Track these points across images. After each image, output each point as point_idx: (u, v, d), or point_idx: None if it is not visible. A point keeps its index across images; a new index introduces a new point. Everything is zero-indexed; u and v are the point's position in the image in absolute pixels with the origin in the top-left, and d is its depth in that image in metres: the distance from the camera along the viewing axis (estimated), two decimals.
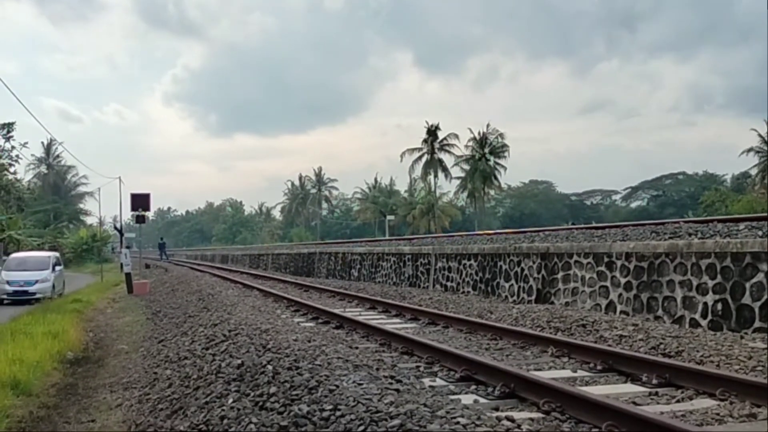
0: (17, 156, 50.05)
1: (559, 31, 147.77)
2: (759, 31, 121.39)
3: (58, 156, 78.47)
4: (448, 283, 17.25)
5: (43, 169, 78.08)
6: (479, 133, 70.85)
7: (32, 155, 71.00)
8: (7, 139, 48.51)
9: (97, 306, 20.51)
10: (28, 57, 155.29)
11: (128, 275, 25.09)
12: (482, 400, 5.85)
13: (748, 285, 8.91)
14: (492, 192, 78.36)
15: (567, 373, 7.07)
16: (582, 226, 17.85)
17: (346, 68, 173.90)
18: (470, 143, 71.17)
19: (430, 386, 6.26)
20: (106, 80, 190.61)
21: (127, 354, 11.26)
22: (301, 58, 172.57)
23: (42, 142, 76.57)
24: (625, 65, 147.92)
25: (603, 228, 14.62)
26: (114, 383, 9.00)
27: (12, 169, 50.27)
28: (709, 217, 13.92)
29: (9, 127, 48.16)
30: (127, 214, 73.35)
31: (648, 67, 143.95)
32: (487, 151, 70.81)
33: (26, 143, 50.91)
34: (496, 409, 5.49)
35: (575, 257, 12.40)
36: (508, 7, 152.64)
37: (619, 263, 11.24)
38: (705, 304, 9.51)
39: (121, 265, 40.54)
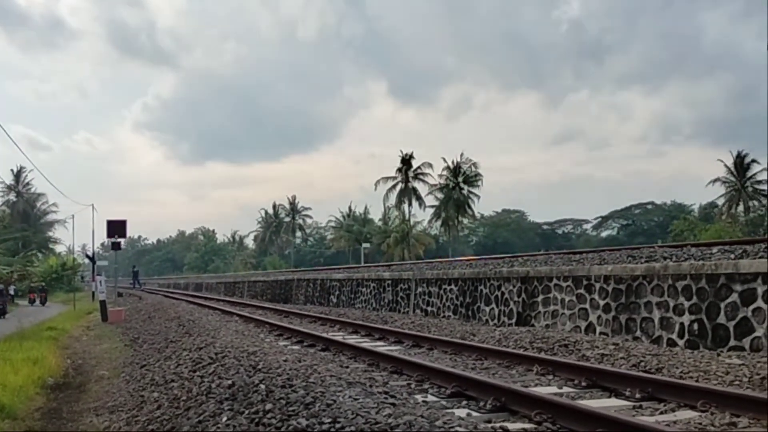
0: None
1: (529, 62, 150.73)
2: (726, 63, 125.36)
3: (27, 183, 77.38)
4: (429, 308, 17.42)
5: (12, 196, 76.87)
6: (453, 162, 71.67)
7: (1, 182, 69.96)
8: None
9: (72, 333, 20.24)
10: None
11: (103, 303, 24.80)
12: (475, 414, 6.02)
13: (722, 305, 9.25)
14: (465, 221, 78.98)
15: (553, 389, 7.26)
16: (560, 251, 18.19)
17: (319, 97, 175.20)
18: (444, 172, 71.92)
19: (423, 401, 6.40)
20: (76, 108, 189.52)
21: (109, 379, 11.17)
22: (274, 87, 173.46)
23: (11, 170, 75.48)
24: (594, 96, 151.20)
25: (581, 252, 14.95)
26: (99, 407, 8.93)
27: None
28: (682, 242, 14.33)
29: None
30: (98, 243, 72.52)
31: (617, 98, 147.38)
32: (460, 180, 71.53)
33: None
34: (489, 422, 5.66)
35: (555, 280, 12.69)
36: (480, 38, 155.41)
37: (597, 286, 11.54)
38: (682, 324, 9.82)
39: (93, 293, 40.13)
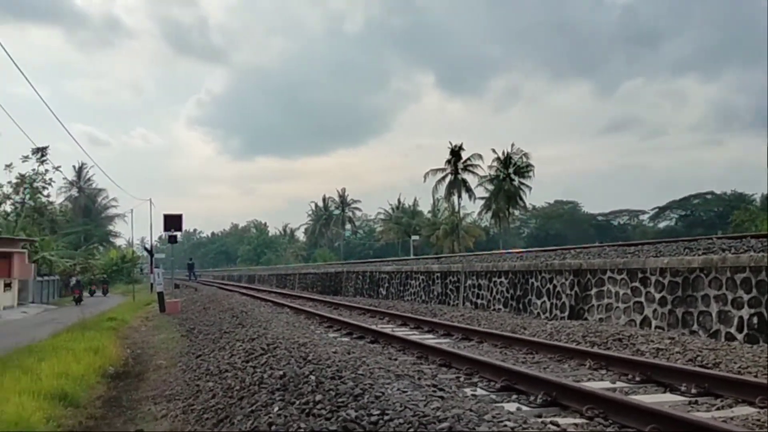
0: (50, 179, 51.10)
1: (580, 50, 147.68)
2: None
3: (89, 179, 79.83)
4: (479, 300, 17.33)
5: (74, 192, 79.44)
6: (503, 153, 70.83)
7: (64, 178, 72.38)
8: (41, 162, 49.59)
9: (131, 324, 20.87)
10: (56, 82, 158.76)
11: (160, 294, 25.49)
12: (525, 408, 5.97)
13: None
14: (517, 212, 78.04)
15: (606, 384, 7.14)
16: (614, 243, 17.84)
17: (367, 90, 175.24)
18: (494, 163, 71.14)
19: (472, 395, 6.39)
20: (132, 105, 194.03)
21: (166, 369, 11.46)
22: (322, 81, 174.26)
23: (73, 166, 78.02)
24: (649, 83, 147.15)
25: (636, 245, 14.64)
26: (156, 396, 9.18)
27: (45, 192, 51.32)
28: (741, 234, 13.88)
29: (43, 151, 49.24)
30: (156, 236, 74.41)
31: (672, 86, 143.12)
32: (511, 171, 70.64)
33: (59, 167, 52.04)
34: (539, 416, 5.61)
35: (609, 273, 12.46)
36: (528, 27, 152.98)
37: (653, 279, 11.28)
38: (740, 317, 9.52)
39: (151, 285, 41.27)
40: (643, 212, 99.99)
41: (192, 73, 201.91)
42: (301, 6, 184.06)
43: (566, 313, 13.44)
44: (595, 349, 9.07)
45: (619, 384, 7.17)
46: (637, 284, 11.73)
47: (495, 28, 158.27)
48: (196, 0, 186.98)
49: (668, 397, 6.48)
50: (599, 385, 7.04)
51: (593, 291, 12.89)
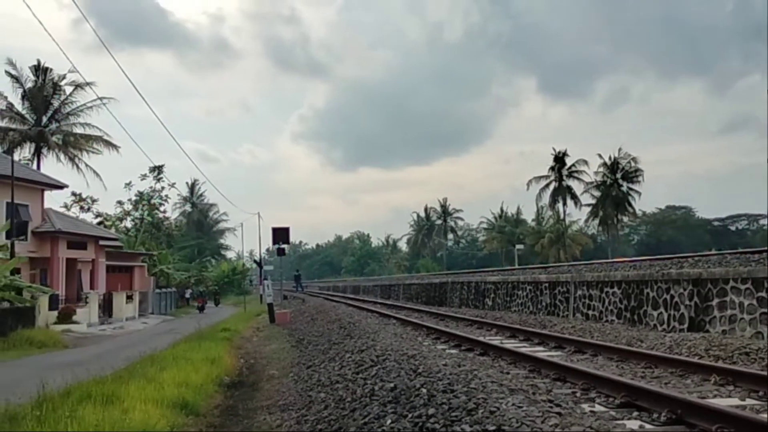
0: (166, 196, 54.11)
1: (690, 47, 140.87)
2: None
3: (201, 195, 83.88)
4: (590, 312, 16.77)
5: (188, 207, 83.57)
6: (610, 158, 68.56)
7: (178, 194, 76.36)
8: (158, 180, 52.61)
9: (243, 335, 21.65)
10: (169, 103, 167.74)
11: (270, 305, 26.34)
12: (648, 426, 5.70)
13: None
14: (625, 219, 75.31)
15: (734, 401, 6.71)
16: (734, 251, 16.82)
17: (467, 97, 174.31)
18: (600, 169, 69.00)
19: (591, 411, 6.16)
20: (239, 122, 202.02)
21: (279, 379, 11.77)
22: (422, 90, 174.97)
23: (186, 182, 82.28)
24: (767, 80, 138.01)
25: (760, 252, 13.73)
26: (271, 405, 9.43)
27: (162, 208, 54.36)
28: None
29: (159, 169, 52.25)
30: (264, 248, 76.99)
31: None
32: (619, 177, 68.30)
33: (174, 184, 54.98)
34: None
35: (731, 283, 11.74)
36: (634, 24, 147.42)
37: None
38: None
39: (261, 296, 42.68)
40: (763, 216, 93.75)
41: (295, 89, 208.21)
42: (401, 17, 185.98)
43: (685, 325, 12.77)
44: (720, 364, 8.54)
45: (748, 401, 6.71)
46: (763, 294, 10.98)
47: (599, 27, 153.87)
48: (299, 18, 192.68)
49: None
50: (727, 402, 6.62)
51: (715, 301, 12.18)
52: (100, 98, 39.92)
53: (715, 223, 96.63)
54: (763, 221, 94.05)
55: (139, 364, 12.16)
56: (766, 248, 13.62)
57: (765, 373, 7.63)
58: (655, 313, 13.94)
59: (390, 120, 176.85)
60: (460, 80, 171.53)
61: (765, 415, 5.84)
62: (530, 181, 72.56)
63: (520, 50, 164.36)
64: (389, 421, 6.13)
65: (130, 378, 10.30)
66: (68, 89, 42.24)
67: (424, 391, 6.69)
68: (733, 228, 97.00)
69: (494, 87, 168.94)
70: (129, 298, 34.17)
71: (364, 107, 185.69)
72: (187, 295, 48.99)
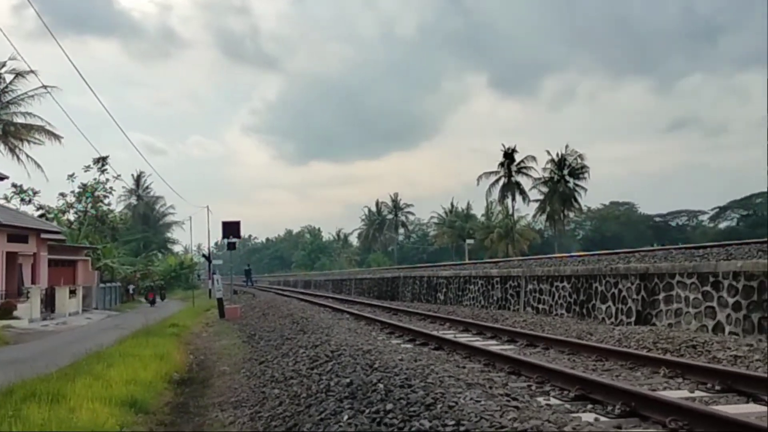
0: (111, 188, 52.68)
1: (636, 47, 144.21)
2: None
3: (147, 187, 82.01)
4: (540, 306, 17.03)
5: (134, 200, 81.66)
6: (557, 155, 69.87)
7: (123, 187, 74.53)
8: (102, 171, 51.17)
9: (193, 330, 21.21)
10: (114, 93, 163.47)
11: (220, 300, 25.91)
12: (603, 419, 5.79)
13: None
14: (572, 214, 76.90)
15: (684, 393, 6.88)
16: (680, 246, 17.30)
17: (420, 93, 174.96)
18: (548, 165, 70.25)
19: (547, 404, 6.23)
20: (188, 113, 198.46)
21: (230, 375, 11.57)
22: (376, 86, 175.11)
23: (132, 174, 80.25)
24: (709, 80, 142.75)
25: (703, 247, 14.17)
26: (223, 402, 9.25)
27: (107, 201, 52.92)
28: None
29: (104, 160, 50.80)
30: (213, 242, 75.84)
31: (735, 81, 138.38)
32: (566, 173, 69.66)
33: (119, 175, 53.62)
34: (619, 428, 5.42)
35: (678, 277, 12.06)
36: (583, 24, 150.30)
37: (726, 283, 10.87)
38: None
39: (209, 291, 42.01)
40: (703, 212, 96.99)
41: (246, 81, 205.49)
42: (355, 11, 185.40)
43: (633, 319, 13.07)
44: (669, 356, 8.77)
45: (697, 393, 6.90)
46: (708, 288, 11.32)
47: (550, 27, 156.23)
48: (249, 8, 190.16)
49: (752, 408, 6.19)
50: (677, 394, 6.79)
51: (661, 296, 12.50)
52: (45, 86, 38.54)
53: (657, 219, 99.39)
54: (702, 217, 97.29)
55: (85, 361, 11.80)
56: (709, 244, 14.04)
57: (713, 365, 7.86)
58: (604, 307, 14.24)
59: (342, 114, 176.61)
60: (413, 76, 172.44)
61: (715, 407, 6.00)
62: (480, 176, 73.38)
63: (471, 47, 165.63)
64: (346, 417, 6.06)
65: (77, 375, 9.97)
66: (8, 77, 40.65)
67: (381, 386, 6.64)
68: (673, 224, 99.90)
69: (446, 83, 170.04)
70: (72, 292, 33.17)
71: (316, 101, 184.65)
72: (131, 290, 47.86)
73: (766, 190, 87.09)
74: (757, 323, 10.17)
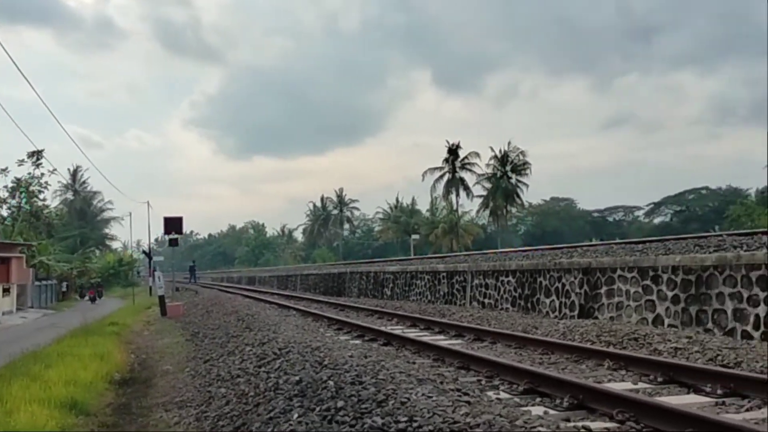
0: (46, 183, 50.85)
1: (576, 46, 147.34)
2: None
3: (84, 182, 79.64)
4: (486, 300, 17.24)
5: (70, 195, 79.18)
6: (500, 151, 70.92)
7: (59, 182, 72.12)
8: (37, 166, 49.35)
9: (133, 329, 20.72)
10: (49, 84, 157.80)
11: (161, 298, 25.35)
12: (552, 412, 5.87)
13: None
14: (514, 210, 78.20)
15: (628, 385, 7.05)
16: (621, 241, 17.76)
17: (364, 89, 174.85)
18: (492, 161, 71.24)
19: (497, 398, 6.28)
20: (126, 106, 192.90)
21: (174, 374, 11.33)
22: (319, 80, 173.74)
23: (68, 169, 77.79)
24: (645, 78, 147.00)
25: (643, 242, 14.57)
26: (167, 402, 9.05)
27: (42, 196, 51.06)
28: (753, 230, 13.81)
29: (38, 154, 48.99)
30: (153, 238, 74.11)
31: (670, 80, 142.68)
32: (508, 169, 70.78)
33: (55, 170, 51.73)
34: (568, 420, 5.50)
35: (619, 271, 12.38)
36: (525, 22, 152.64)
37: (665, 277, 11.20)
38: (757, 315, 9.45)
39: (150, 288, 41.09)
40: (639, 208, 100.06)
41: (186, 74, 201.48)
42: (298, 4, 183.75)
43: (576, 312, 13.36)
44: (612, 349, 8.97)
45: (641, 385, 7.07)
46: (648, 282, 11.65)
47: (491, 24, 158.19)
48: (189, 0, 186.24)
49: (694, 399, 6.38)
50: (621, 386, 6.94)
51: (603, 289, 12.81)
52: None
53: (595, 215, 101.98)
54: (637, 212, 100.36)
55: (21, 362, 11.42)
56: (649, 239, 14.44)
57: (655, 357, 8.08)
58: (548, 301, 14.51)
59: (285, 109, 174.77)
60: (357, 71, 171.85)
61: (659, 398, 6.16)
62: (425, 172, 73.86)
63: (415, 43, 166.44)
64: (296, 416, 5.97)
65: (13, 377, 9.65)
66: None
67: (332, 383, 6.58)
68: (611, 219, 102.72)
69: (390, 79, 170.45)
70: (6, 291, 31.95)
71: (258, 95, 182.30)
72: (64, 288, 46.36)
73: (698, 186, 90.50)
74: (695, 316, 10.51)
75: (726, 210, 67.99)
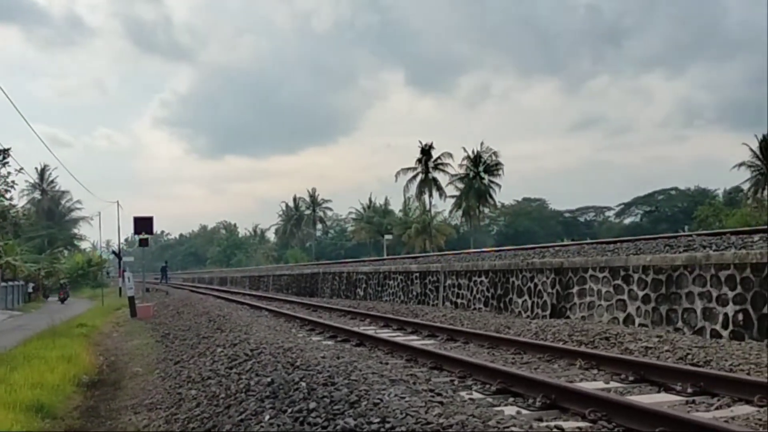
0: (13, 182, 49.79)
1: (547, 48, 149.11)
2: (749, 45, 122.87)
3: (52, 181, 78.27)
4: (459, 300, 17.27)
5: (37, 194, 77.76)
6: (473, 152, 71.28)
7: (26, 181, 70.75)
8: (3, 164, 48.28)
9: (102, 330, 20.38)
10: (16, 81, 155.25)
11: (131, 299, 24.97)
12: (524, 412, 5.86)
13: None
14: (486, 210, 78.64)
15: (600, 384, 7.08)
16: (593, 241, 17.93)
17: (336, 89, 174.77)
18: (464, 162, 71.55)
19: (470, 399, 6.26)
20: (95, 105, 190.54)
21: (144, 376, 11.16)
22: (291, 80, 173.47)
23: (35, 168, 76.34)
24: (614, 81, 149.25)
25: (614, 242, 14.71)
26: (136, 405, 8.90)
27: (8, 195, 49.95)
28: (722, 230, 14.03)
29: (5, 153, 47.94)
30: (123, 238, 73.12)
31: (638, 83, 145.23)
32: (481, 170, 71.15)
33: (22, 169, 50.55)
34: (541, 420, 5.50)
35: (590, 271, 12.47)
36: (496, 24, 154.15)
37: (636, 276, 11.32)
38: (726, 314, 9.58)
39: (120, 289, 40.46)
40: (609, 209, 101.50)
41: (157, 72, 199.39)
42: (269, 4, 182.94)
43: (548, 312, 13.44)
44: (584, 348, 9.03)
45: (612, 384, 7.11)
46: (619, 282, 11.76)
47: (464, 25, 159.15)
48: None
49: (664, 397, 6.43)
50: (593, 385, 6.98)
51: (575, 289, 12.90)
52: None
53: (566, 215, 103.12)
54: (608, 213, 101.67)
55: None
56: (620, 239, 14.59)
57: (626, 356, 8.14)
58: (520, 301, 14.58)
59: (257, 108, 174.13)
60: (329, 71, 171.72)
61: (630, 397, 6.20)
62: (398, 172, 73.87)
63: (387, 44, 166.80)
64: (267, 417, 5.90)
65: None
66: None
67: (304, 384, 6.51)
68: (581, 219, 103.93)
69: (362, 79, 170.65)
70: None
71: (230, 94, 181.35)
72: (30, 289, 45.46)
73: (667, 187, 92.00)
74: (665, 315, 10.63)
75: (695, 210, 69.18)
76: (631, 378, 7.16)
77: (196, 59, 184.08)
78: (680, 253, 10.79)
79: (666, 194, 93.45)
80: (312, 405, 5.80)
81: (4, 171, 48.52)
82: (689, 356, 8.03)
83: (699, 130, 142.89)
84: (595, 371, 7.76)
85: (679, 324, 10.29)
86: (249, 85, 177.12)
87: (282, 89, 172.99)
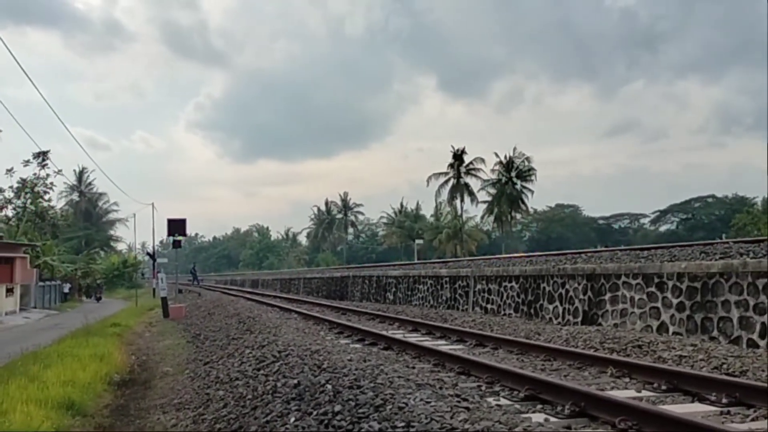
0: (51, 183, 50.88)
1: (581, 53, 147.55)
2: None
3: (89, 183, 79.87)
4: (489, 306, 17.11)
5: (75, 196, 79.36)
6: (506, 157, 70.67)
7: (65, 183, 72.30)
8: (42, 166, 49.40)
9: (135, 330, 20.69)
10: (55, 86, 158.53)
11: (164, 299, 25.32)
12: (553, 419, 5.75)
13: None
14: (519, 216, 77.92)
15: (631, 393, 6.92)
16: (626, 247, 17.64)
17: (369, 93, 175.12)
18: (497, 167, 71.00)
19: (497, 405, 6.17)
20: (132, 108, 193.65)
21: (173, 376, 11.27)
22: (324, 84, 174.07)
23: (74, 170, 78.01)
24: (650, 86, 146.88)
25: (648, 249, 14.44)
26: (165, 404, 8.98)
27: (47, 197, 51.09)
28: (759, 238, 13.68)
29: (44, 155, 49.06)
30: (158, 240, 74.24)
31: (674, 88, 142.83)
32: (513, 175, 70.53)
33: (60, 171, 51.65)
34: (569, 428, 5.40)
35: (623, 278, 12.25)
36: (530, 28, 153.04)
37: (670, 284, 11.07)
38: (763, 324, 9.31)
39: (153, 290, 41.05)
40: (644, 216, 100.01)
41: (192, 77, 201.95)
42: (303, 9, 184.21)
43: (579, 319, 13.23)
44: (615, 356, 8.85)
45: (644, 393, 6.95)
46: (653, 289, 11.52)
47: (497, 30, 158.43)
48: (196, 3, 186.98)
49: (698, 407, 6.25)
50: (624, 394, 6.83)
51: (607, 296, 12.68)
52: None
53: (600, 222, 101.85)
54: (643, 220, 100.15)
55: (20, 362, 11.37)
56: (654, 245, 14.31)
57: (659, 365, 7.95)
58: (551, 307, 14.38)
59: (290, 112, 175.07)
60: (362, 75, 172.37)
61: (662, 407, 6.04)
62: (430, 177, 73.61)
63: (420, 48, 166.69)
64: (293, 419, 5.89)
65: (10, 377, 9.60)
66: None
67: (330, 387, 6.49)
68: (616, 226, 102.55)
69: (395, 83, 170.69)
70: (9, 291, 31.94)
71: (263, 98, 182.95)
72: (66, 290, 46.38)
73: (704, 194, 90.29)
74: (700, 323, 10.38)
75: (732, 218, 67.72)
76: (663, 387, 6.98)
77: (231, 64, 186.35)
78: (716, 260, 10.53)
79: (703, 202, 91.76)
80: (337, 408, 5.78)
81: (43, 173, 49.75)
82: (724, 366, 7.82)
83: (737, 137, 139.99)
84: (627, 380, 7.60)
85: (715, 333, 10.03)
86: (282, 89, 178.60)
87: (316, 93, 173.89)
